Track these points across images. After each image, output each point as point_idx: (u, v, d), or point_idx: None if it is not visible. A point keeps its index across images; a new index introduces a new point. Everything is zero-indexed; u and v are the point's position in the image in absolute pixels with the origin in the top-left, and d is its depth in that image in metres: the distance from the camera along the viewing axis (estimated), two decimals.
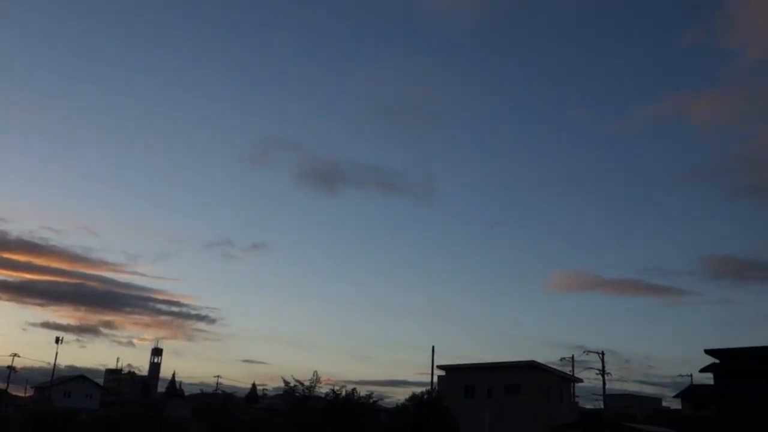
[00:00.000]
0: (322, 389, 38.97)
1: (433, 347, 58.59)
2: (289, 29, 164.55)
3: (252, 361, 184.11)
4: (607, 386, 66.43)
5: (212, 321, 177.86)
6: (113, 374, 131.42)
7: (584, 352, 67.71)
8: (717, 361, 40.13)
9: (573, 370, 65.52)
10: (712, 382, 40.84)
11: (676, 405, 78.75)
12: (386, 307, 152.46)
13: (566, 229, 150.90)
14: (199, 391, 78.12)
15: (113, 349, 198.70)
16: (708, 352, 40.42)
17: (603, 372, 64.88)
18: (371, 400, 39.13)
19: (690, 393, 72.81)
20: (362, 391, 39.61)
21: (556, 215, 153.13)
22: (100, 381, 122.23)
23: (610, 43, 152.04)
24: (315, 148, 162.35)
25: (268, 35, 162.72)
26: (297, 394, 37.80)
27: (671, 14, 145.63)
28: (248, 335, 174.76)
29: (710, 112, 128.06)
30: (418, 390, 47.59)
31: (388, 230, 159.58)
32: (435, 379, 58.05)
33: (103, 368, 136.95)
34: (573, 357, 66.33)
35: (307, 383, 37.83)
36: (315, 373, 38.34)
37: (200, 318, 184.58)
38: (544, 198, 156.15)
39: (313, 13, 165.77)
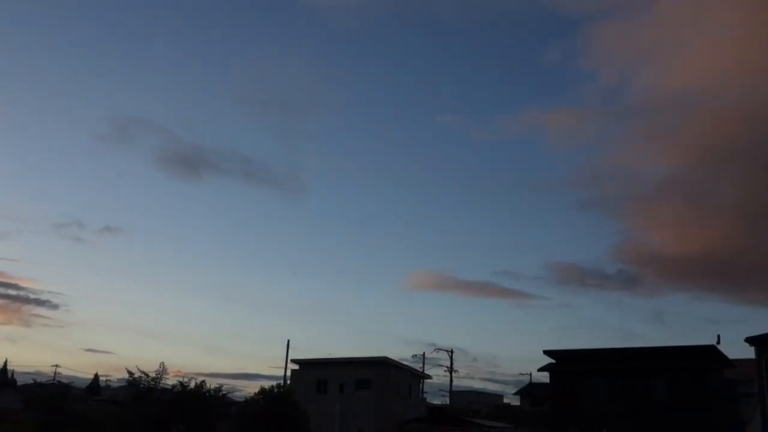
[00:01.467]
0: (169, 381, 37.79)
1: (288, 341, 58.33)
2: (163, 8, 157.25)
3: (96, 351, 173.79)
4: (454, 383, 69.51)
5: (54, 306, 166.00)
6: None
7: (435, 349, 70.35)
8: (554, 361, 42.91)
9: (423, 366, 67.81)
10: (548, 380, 43.63)
11: (517, 402, 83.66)
12: (243, 298, 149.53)
13: (427, 230, 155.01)
14: (32, 381, 72.75)
15: None
16: (546, 352, 43.10)
17: (451, 369, 67.75)
18: (220, 393, 38.37)
19: (529, 390, 77.64)
20: (213, 383, 38.87)
21: (418, 216, 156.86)
22: None
23: (478, 53, 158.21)
24: (181, 132, 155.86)
25: (141, 12, 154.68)
26: (141, 386, 36.36)
27: (537, 32, 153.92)
28: (94, 323, 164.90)
29: (565, 128, 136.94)
30: (272, 384, 47.30)
31: (251, 221, 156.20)
32: (288, 373, 57.91)
33: None
34: (424, 354, 68.68)
35: (153, 374, 36.49)
36: (162, 364, 37.19)
37: (40, 303, 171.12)
38: (408, 199, 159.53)
39: None
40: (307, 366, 58.17)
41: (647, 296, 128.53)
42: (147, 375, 36.27)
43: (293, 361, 58.59)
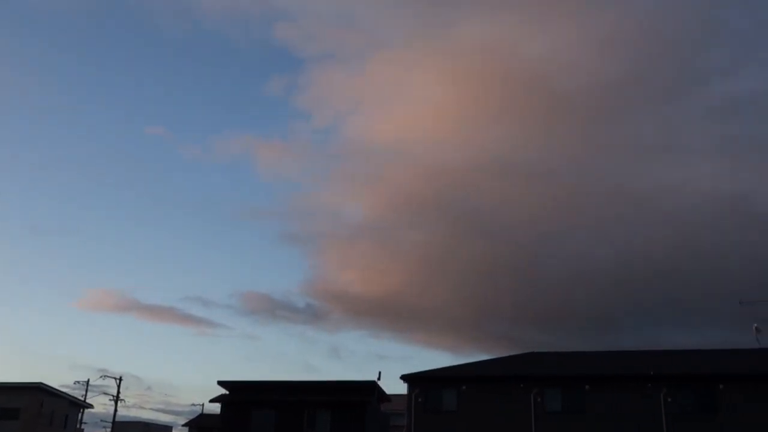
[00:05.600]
0: None
1: None
2: None
3: None
4: (123, 413, 65.13)
5: None
6: None
7: (102, 376, 65.26)
8: (227, 392, 42.67)
9: (86, 394, 62.45)
10: (220, 411, 43.17)
11: None
12: None
13: (113, 246, 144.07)
14: None
15: None
16: (220, 383, 42.72)
17: (117, 398, 63.39)
18: None
19: (198, 421, 75.88)
20: None
21: (106, 230, 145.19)
22: None
23: (200, 71, 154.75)
24: None
25: None
26: None
27: (263, 63, 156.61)
28: None
29: (276, 160, 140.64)
30: None
31: None
32: None
33: None
34: (88, 381, 63.30)
35: None
36: None
37: None
38: (96, 210, 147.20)
39: None
40: None
41: (330, 331, 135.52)
42: None
43: None
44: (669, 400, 33.12)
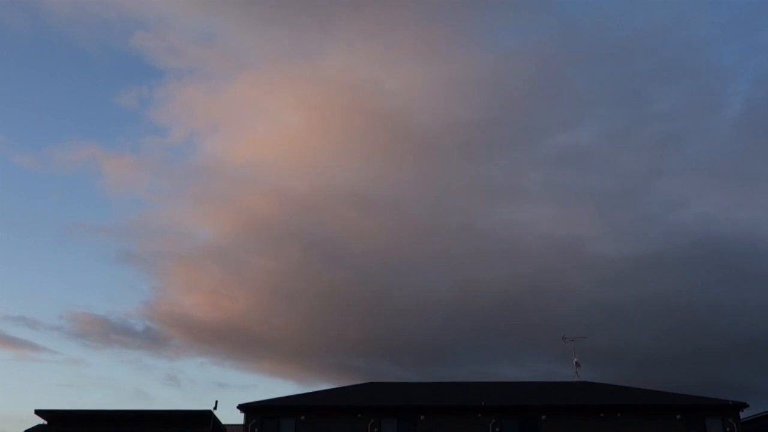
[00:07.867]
0: None
1: None
2: None
3: None
4: None
5: None
6: None
7: None
8: (45, 422, 39.40)
9: None
10: None
11: None
12: None
13: None
14: None
15: None
16: (38, 412, 39.35)
17: None
18: None
19: None
20: None
21: None
22: None
23: (41, 74, 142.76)
24: None
25: None
26: None
27: (116, 72, 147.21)
28: None
29: (122, 175, 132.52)
30: None
31: None
32: None
33: None
34: None
35: None
36: None
37: None
38: None
39: None
40: None
41: (170, 358, 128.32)
42: None
43: None
44: (497, 429, 34.82)
